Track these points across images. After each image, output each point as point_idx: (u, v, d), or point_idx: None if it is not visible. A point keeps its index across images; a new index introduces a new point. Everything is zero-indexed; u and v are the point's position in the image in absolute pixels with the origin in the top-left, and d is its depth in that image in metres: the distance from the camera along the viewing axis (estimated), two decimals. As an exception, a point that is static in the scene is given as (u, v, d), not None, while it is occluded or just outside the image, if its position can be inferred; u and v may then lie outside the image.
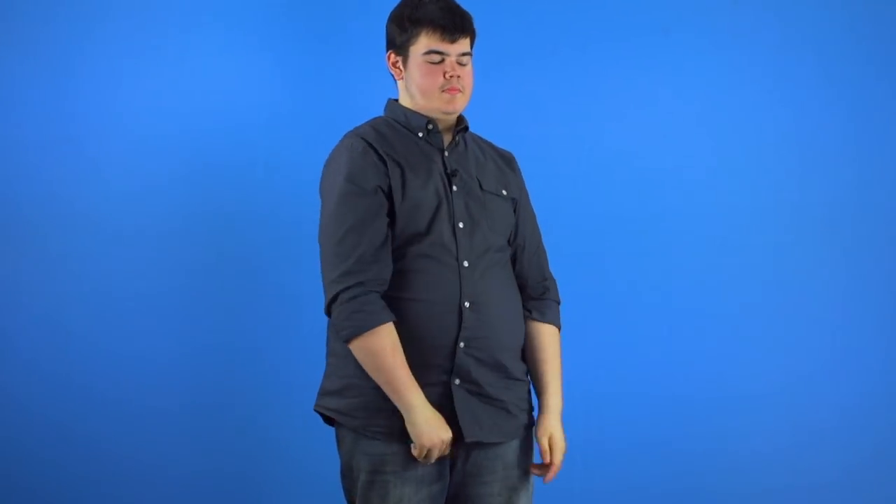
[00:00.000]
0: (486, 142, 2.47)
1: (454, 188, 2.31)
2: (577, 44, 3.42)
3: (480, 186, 2.34)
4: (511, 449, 2.33)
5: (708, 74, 3.40)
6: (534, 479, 2.42)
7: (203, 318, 3.44)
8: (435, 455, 2.21)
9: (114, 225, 3.43)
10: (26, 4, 3.44)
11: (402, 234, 2.25)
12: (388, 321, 2.19)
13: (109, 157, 3.44)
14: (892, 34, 3.38)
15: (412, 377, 2.19)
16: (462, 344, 2.24)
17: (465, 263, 2.26)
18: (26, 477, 3.43)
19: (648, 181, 3.40)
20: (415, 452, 2.21)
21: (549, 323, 2.40)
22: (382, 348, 2.18)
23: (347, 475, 2.34)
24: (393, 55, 2.36)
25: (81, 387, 3.42)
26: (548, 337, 2.39)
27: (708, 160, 3.40)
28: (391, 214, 2.24)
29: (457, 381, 2.26)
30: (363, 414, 2.28)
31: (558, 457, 2.34)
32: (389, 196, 2.25)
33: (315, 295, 2.50)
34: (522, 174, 2.48)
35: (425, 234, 2.25)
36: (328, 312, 2.26)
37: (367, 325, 2.18)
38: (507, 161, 2.45)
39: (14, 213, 3.44)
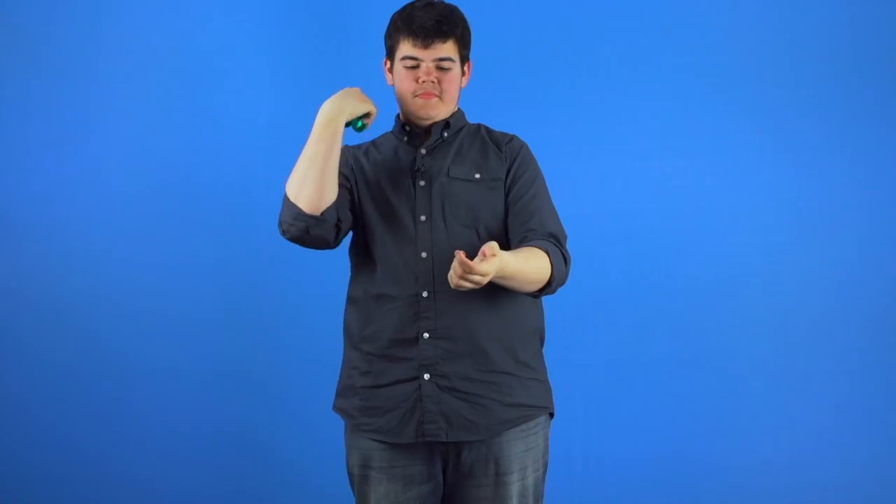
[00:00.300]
0: (489, 132, 2.45)
1: (421, 183, 2.34)
2: (577, 44, 3.42)
3: (448, 174, 2.34)
4: (505, 449, 2.30)
5: (708, 75, 3.40)
6: (539, 485, 2.39)
7: (204, 319, 3.44)
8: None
9: (114, 225, 3.44)
10: (27, 5, 3.44)
11: (369, 233, 2.34)
12: None
13: (110, 158, 3.45)
14: (890, 34, 3.37)
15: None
16: (426, 335, 2.27)
17: (423, 254, 2.29)
18: (26, 479, 3.43)
19: (648, 181, 3.40)
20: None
21: (532, 246, 2.25)
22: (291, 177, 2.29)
23: (348, 471, 2.39)
24: (388, 62, 2.41)
25: (81, 388, 3.43)
26: (525, 246, 2.25)
27: (708, 161, 3.40)
28: (361, 215, 2.36)
29: (426, 376, 2.27)
30: (356, 412, 2.35)
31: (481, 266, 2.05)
32: (355, 192, 2.37)
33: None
34: (526, 153, 2.40)
35: (387, 231, 2.32)
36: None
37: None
38: (497, 144, 2.40)
39: (15, 214, 3.44)
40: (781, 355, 3.38)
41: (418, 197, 2.33)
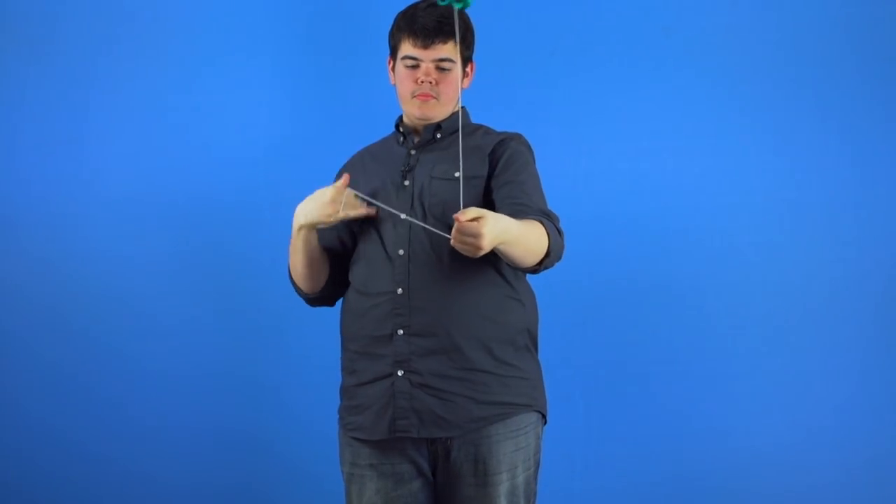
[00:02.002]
0: (486, 132, 2.45)
1: (406, 183, 2.36)
2: (577, 44, 3.41)
3: (431, 174, 2.36)
4: (494, 451, 2.31)
5: (708, 74, 3.40)
6: (531, 484, 2.40)
7: (204, 320, 3.44)
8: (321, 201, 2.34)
9: (114, 226, 3.44)
10: (27, 6, 3.44)
11: (357, 233, 2.41)
12: None
13: (110, 159, 3.44)
14: (890, 34, 3.37)
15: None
16: (401, 331, 2.28)
17: (401, 252, 2.31)
18: (26, 480, 3.43)
19: (648, 181, 3.39)
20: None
21: (527, 219, 2.23)
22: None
23: (341, 469, 2.42)
24: (391, 60, 2.43)
25: (81, 389, 3.43)
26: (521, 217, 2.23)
27: (708, 160, 3.40)
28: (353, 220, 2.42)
29: (400, 373, 2.29)
30: (343, 413, 2.40)
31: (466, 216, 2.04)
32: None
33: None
34: (517, 146, 2.39)
35: (370, 229, 2.37)
36: None
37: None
38: (487, 145, 2.39)
39: (14, 214, 3.44)
40: (781, 355, 3.37)
41: (400, 196, 2.35)
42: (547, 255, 2.23)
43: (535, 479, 2.41)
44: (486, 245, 2.04)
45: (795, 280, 3.38)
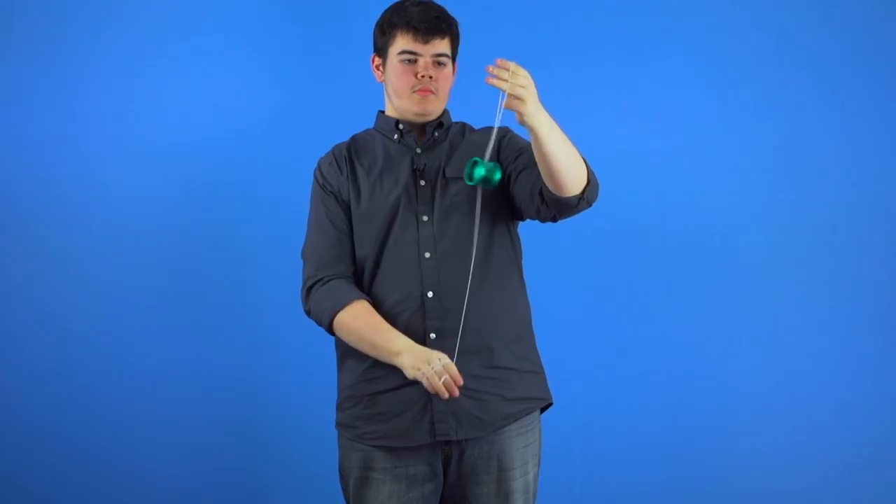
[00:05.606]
0: (469, 128, 2.45)
1: (422, 183, 2.33)
2: (577, 43, 3.42)
3: (444, 175, 2.34)
4: (507, 447, 2.31)
5: (708, 74, 3.41)
6: (536, 480, 2.40)
7: (203, 320, 3.43)
8: (440, 379, 2.12)
9: (113, 225, 3.43)
10: (26, 5, 3.44)
11: (367, 237, 2.33)
12: (353, 299, 2.27)
13: (108, 158, 3.44)
14: (890, 34, 3.38)
15: (389, 327, 2.23)
16: (433, 335, 2.26)
17: (427, 255, 2.29)
18: (25, 479, 3.43)
19: (648, 181, 3.40)
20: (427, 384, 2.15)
21: None
22: (353, 318, 2.26)
23: (343, 474, 2.39)
24: (376, 57, 2.40)
25: (81, 388, 3.42)
26: None
27: (708, 160, 3.40)
28: (349, 219, 2.35)
29: None
30: (359, 423, 2.34)
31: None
32: (347, 202, 2.35)
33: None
34: (512, 134, 2.40)
35: (388, 233, 2.32)
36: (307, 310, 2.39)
37: (337, 305, 2.27)
38: (486, 138, 2.33)
39: (13, 214, 3.44)
40: (781, 355, 3.38)
41: (420, 197, 2.33)
42: (588, 182, 2.20)
43: (538, 476, 2.42)
44: (531, 92, 2.07)
45: (796, 280, 3.38)
